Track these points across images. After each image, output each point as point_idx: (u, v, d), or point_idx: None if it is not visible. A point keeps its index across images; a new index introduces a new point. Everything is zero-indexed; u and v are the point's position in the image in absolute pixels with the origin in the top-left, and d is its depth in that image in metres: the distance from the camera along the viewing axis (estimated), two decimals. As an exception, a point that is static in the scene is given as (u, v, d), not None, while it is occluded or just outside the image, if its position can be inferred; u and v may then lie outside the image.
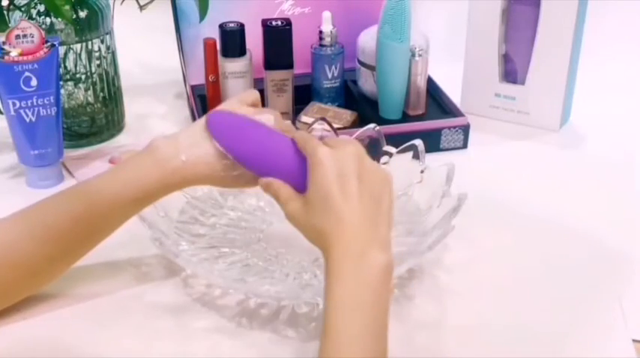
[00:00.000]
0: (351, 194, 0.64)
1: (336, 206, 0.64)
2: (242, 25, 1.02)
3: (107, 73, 1.04)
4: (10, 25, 0.94)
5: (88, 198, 0.73)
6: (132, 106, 1.11)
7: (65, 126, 1.00)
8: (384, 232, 0.64)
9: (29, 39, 0.88)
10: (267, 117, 0.75)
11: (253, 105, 0.78)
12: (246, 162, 0.72)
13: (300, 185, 0.68)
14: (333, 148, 0.66)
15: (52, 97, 0.90)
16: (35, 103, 0.90)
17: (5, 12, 0.95)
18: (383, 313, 0.61)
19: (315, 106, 1.06)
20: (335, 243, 0.63)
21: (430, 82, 1.09)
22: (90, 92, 1.04)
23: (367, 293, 0.61)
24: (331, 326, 0.59)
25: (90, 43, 1.00)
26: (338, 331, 0.59)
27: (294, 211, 0.68)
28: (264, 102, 1.04)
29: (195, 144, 0.73)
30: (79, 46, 1.00)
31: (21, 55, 0.88)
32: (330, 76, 1.07)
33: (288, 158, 0.70)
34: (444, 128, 1.03)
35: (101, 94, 1.04)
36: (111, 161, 0.99)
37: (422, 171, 0.86)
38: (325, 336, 0.59)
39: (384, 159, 0.89)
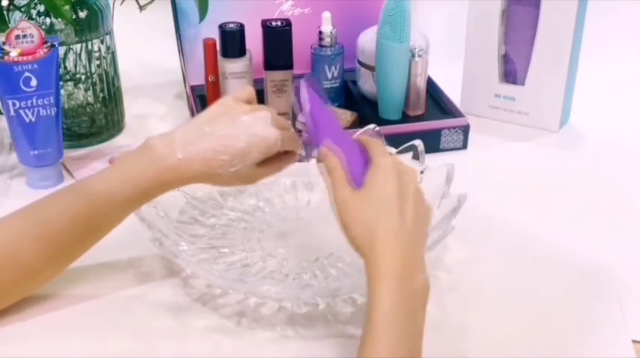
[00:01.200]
0: (407, 212, 0.65)
1: (393, 216, 0.64)
2: (242, 26, 1.02)
3: (107, 74, 1.04)
4: (9, 25, 0.94)
5: (85, 196, 0.73)
6: (132, 107, 1.11)
7: (65, 126, 1.00)
8: (423, 254, 0.66)
9: (29, 39, 0.88)
10: (264, 114, 0.75)
11: (248, 102, 0.78)
12: (319, 129, 0.71)
13: (353, 181, 0.68)
14: (399, 162, 0.68)
15: (51, 97, 0.90)
16: (35, 103, 0.90)
17: (5, 12, 0.95)
18: (420, 329, 0.63)
19: (314, 107, 1.06)
20: (384, 252, 0.63)
21: (430, 83, 1.09)
22: (90, 92, 1.04)
23: (412, 309, 0.63)
24: (376, 332, 0.60)
25: (90, 43, 1.00)
26: (381, 337, 0.60)
27: (346, 197, 0.66)
28: (263, 103, 1.04)
29: (192, 141, 0.73)
30: (78, 46, 1.00)
31: (21, 55, 0.88)
32: (329, 76, 1.07)
33: (351, 150, 0.70)
34: (443, 128, 1.03)
35: (101, 95, 1.04)
36: (111, 161, 0.99)
37: (422, 172, 0.86)
38: (368, 340, 0.60)
39: (384, 159, 0.89)
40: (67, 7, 0.91)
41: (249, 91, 0.79)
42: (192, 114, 1.08)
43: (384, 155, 0.68)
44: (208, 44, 1.04)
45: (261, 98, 1.05)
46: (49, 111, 0.91)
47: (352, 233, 0.66)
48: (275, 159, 0.77)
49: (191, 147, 0.73)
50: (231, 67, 1.03)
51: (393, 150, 0.89)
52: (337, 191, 0.67)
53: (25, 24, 0.87)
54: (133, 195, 0.73)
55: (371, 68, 1.06)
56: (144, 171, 0.73)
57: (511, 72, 1.09)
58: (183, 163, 0.73)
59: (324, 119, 0.73)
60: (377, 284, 0.62)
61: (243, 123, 0.74)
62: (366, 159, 0.70)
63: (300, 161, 0.93)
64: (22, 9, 0.96)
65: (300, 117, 0.74)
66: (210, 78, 1.05)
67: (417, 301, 0.63)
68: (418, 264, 0.64)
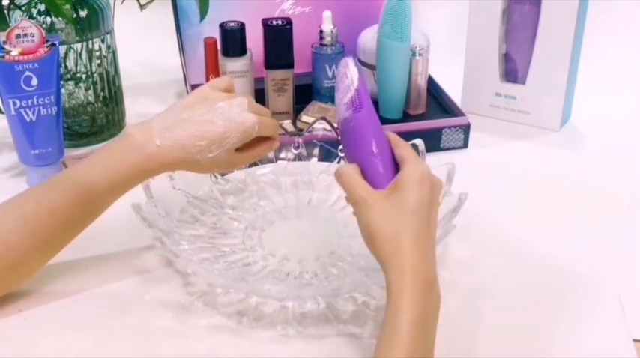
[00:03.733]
0: (432, 222, 0.66)
1: (422, 224, 0.65)
2: (242, 25, 1.02)
3: (108, 73, 1.04)
4: (10, 24, 0.94)
5: (65, 188, 0.73)
6: (132, 106, 1.11)
7: (66, 125, 1.00)
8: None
9: (30, 38, 0.88)
10: (241, 100, 0.76)
11: (227, 91, 0.79)
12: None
13: (378, 180, 0.67)
14: (429, 171, 0.68)
15: (52, 97, 0.90)
16: (36, 103, 0.90)
17: (6, 11, 0.95)
18: (434, 338, 0.64)
19: (315, 106, 1.06)
20: (410, 260, 0.63)
21: (431, 82, 1.09)
22: (90, 91, 1.04)
23: (432, 319, 0.63)
24: (399, 343, 0.60)
25: (90, 42, 1.00)
26: (405, 348, 0.60)
27: (367, 195, 0.66)
28: (264, 102, 1.04)
29: (169, 128, 0.74)
30: (79, 45, 1.00)
31: (21, 54, 0.88)
32: (330, 75, 1.07)
33: (381, 145, 0.69)
34: (444, 127, 1.03)
35: (102, 94, 1.04)
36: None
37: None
38: (392, 349, 0.60)
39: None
40: (67, 6, 0.91)
41: (227, 80, 0.80)
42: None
43: (418, 161, 0.68)
44: (209, 43, 1.04)
45: (261, 97, 1.05)
46: (49, 110, 0.91)
47: (376, 232, 0.65)
48: (254, 145, 0.79)
49: (169, 134, 0.74)
50: (232, 66, 1.03)
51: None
52: (356, 190, 0.67)
53: (25, 23, 0.87)
54: (113, 183, 0.73)
55: (372, 67, 1.06)
56: (123, 160, 0.73)
57: (512, 71, 1.09)
58: (161, 150, 0.73)
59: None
60: (402, 292, 0.62)
61: (220, 108, 0.76)
62: (392, 158, 0.69)
63: (300, 159, 0.93)
64: (23, 8, 0.96)
65: (342, 94, 0.72)
66: (211, 77, 1.05)
67: (435, 312, 0.64)
68: (435, 274, 0.65)
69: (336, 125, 0.94)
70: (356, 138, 0.70)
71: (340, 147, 0.91)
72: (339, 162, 0.92)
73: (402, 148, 0.69)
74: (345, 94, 0.71)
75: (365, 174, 0.68)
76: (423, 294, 0.62)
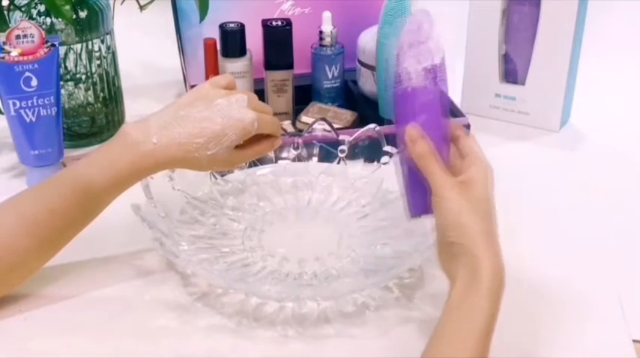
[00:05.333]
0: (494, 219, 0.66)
1: (492, 218, 0.65)
2: (242, 25, 1.03)
3: (107, 73, 1.04)
4: (10, 25, 0.94)
5: (63, 187, 0.73)
6: (132, 106, 1.11)
7: (65, 126, 1.00)
8: None
9: (29, 39, 0.88)
10: (240, 97, 0.76)
11: (228, 88, 0.78)
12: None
13: (445, 157, 0.66)
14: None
15: (52, 97, 0.90)
16: (35, 103, 0.90)
17: (5, 12, 0.95)
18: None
19: (315, 106, 1.06)
20: (486, 255, 0.63)
21: (430, 82, 1.09)
22: (90, 92, 1.04)
23: (496, 316, 0.62)
24: (467, 342, 0.60)
25: (90, 43, 1.00)
26: (473, 346, 0.60)
27: (452, 184, 0.65)
28: (264, 102, 1.04)
29: (166, 126, 0.74)
30: (79, 46, 1.00)
31: (21, 55, 0.88)
32: (330, 76, 1.07)
33: (442, 136, 0.67)
34: (444, 128, 1.03)
35: (101, 94, 1.04)
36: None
37: (422, 171, 0.86)
38: (455, 344, 0.60)
39: (384, 159, 0.89)
40: (67, 7, 0.91)
41: (228, 78, 0.80)
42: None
43: (481, 152, 0.67)
44: (209, 44, 1.04)
45: (261, 98, 1.05)
46: (49, 111, 0.91)
47: (469, 224, 0.64)
48: (255, 143, 0.78)
49: (166, 132, 0.73)
50: (232, 66, 1.03)
51: (394, 149, 0.89)
52: (439, 176, 0.65)
53: (25, 24, 0.87)
54: (111, 182, 0.73)
55: (371, 68, 1.06)
56: (120, 158, 0.73)
57: (511, 71, 1.09)
58: (159, 148, 0.73)
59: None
60: (479, 292, 0.61)
61: (218, 105, 0.75)
62: (449, 150, 0.67)
63: (299, 160, 0.93)
64: (23, 9, 0.96)
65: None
66: (211, 77, 1.05)
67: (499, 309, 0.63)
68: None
69: (336, 126, 0.94)
70: (430, 115, 0.66)
71: (341, 147, 0.91)
72: (338, 162, 0.92)
73: (466, 140, 0.68)
74: (423, 57, 0.65)
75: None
76: (496, 296, 0.62)
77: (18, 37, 0.87)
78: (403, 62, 0.66)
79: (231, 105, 0.75)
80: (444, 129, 0.67)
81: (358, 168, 0.91)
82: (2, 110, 0.92)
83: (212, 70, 1.04)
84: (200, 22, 1.05)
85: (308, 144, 0.93)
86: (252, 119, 0.75)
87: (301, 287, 0.75)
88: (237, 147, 0.76)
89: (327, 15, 1.04)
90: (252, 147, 0.78)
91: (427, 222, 0.81)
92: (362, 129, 0.91)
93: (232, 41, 1.03)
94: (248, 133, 0.76)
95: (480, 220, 0.64)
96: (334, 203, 0.89)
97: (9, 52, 0.87)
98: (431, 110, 0.66)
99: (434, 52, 0.65)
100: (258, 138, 0.78)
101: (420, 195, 0.68)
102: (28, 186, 0.94)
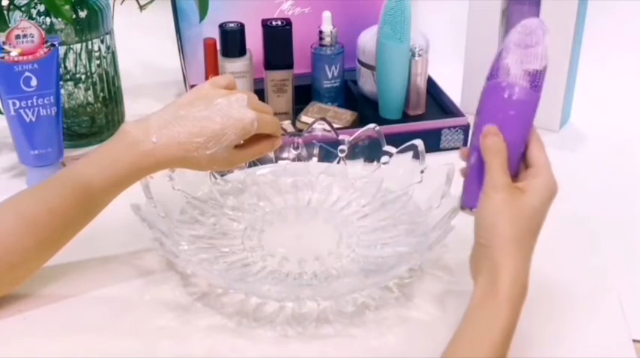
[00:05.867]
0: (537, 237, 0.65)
1: (536, 231, 0.65)
2: (242, 25, 1.03)
3: (107, 73, 1.04)
4: (10, 24, 0.94)
5: (62, 186, 0.73)
6: (132, 106, 1.11)
7: (65, 126, 1.00)
8: None
9: (29, 39, 0.88)
10: (240, 97, 0.76)
11: (228, 88, 0.78)
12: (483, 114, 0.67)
13: (512, 168, 0.66)
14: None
15: (52, 97, 0.90)
16: (35, 103, 0.90)
17: (5, 12, 0.95)
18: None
19: (315, 106, 1.06)
20: (521, 269, 0.63)
21: (430, 82, 1.09)
22: (90, 92, 1.04)
23: (514, 324, 0.63)
24: (485, 347, 0.60)
25: (90, 42, 1.00)
26: (492, 352, 0.60)
27: (504, 185, 0.64)
28: (264, 102, 1.04)
29: (166, 125, 0.74)
30: (79, 45, 1.00)
31: (21, 54, 0.88)
32: (330, 75, 1.07)
33: (530, 116, 0.66)
34: (443, 128, 1.03)
35: (101, 94, 1.04)
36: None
37: (422, 171, 0.86)
38: (474, 349, 0.61)
39: (384, 159, 0.89)
40: (67, 7, 0.91)
41: (228, 78, 0.80)
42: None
43: (550, 167, 0.67)
44: (208, 44, 1.04)
45: (261, 98, 1.05)
46: (49, 110, 0.91)
47: (500, 227, 0.64)
48: (255, 143, 0.78)
49: (165, 131, 0.73)
50: (232, 66, 1.03)
51: (394, 149, 0.89)
52: (496, 174, 0.65)
53: (25, 24, 0.87)
54: (110, 181, 0.73)
55: (371, 68, 1.06)
56: (119, 158, 0.73)
57: (511, 71, 1.09)
58: (158, 147, 0.73)
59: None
60: (497, 299, 0.62)
61: (218, 105, 0.75)
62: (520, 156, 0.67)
63: (299, 160, 0.93)
64: (23, 9, 0.96)
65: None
66: (211, 77, 1.05)
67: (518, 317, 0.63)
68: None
69: (335, 126, 0.94)
70: (518, 115, 0.66)
71: (340, 147, 0.91)
72: (338, 162, 0.92)
73: (542, 150, 0.67)
74: (528, 59, 0.65)
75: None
76: (521, 302, 0.62)
77: (18, 36, 0.87)
78: (505, 57, 0.66)
79: (230, 105, 0.75)
80: (525, 134, 0.67)
81: (358, 167, 0.91)
82: (2, 110, 0.92)
83: (212, 69, 1.04)
84: (200, 22, 1.05)
85: (308, 144, 0.93)
86: (252, 119, 0.75)
87: (301, 287, 0.75)
88: (237, 146, 0.76)
89: (326, 15, 1.04)
90: (252, 147, 0.78)
91: (427, 221, 0.82)
92: (362, 129, 0.91)
93: (232, 41, 1.02)
94: (248, 133, 0.76)
95: (514, 228, 0.63)
96: (334, 203, 0.89)
97: (9, 52, 0.87)
98: (518, 110, 0.66)
99: (540, 58, 0.65)
100: (258, 138, 0.78)
101: (475, 189, 0.67)
102: (28, 185, 0.94)
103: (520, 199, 0.64)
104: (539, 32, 0.66)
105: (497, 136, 0.66)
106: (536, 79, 0.65)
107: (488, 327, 0.61)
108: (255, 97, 0.78)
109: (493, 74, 0.67)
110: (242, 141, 0.76)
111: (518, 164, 0.67)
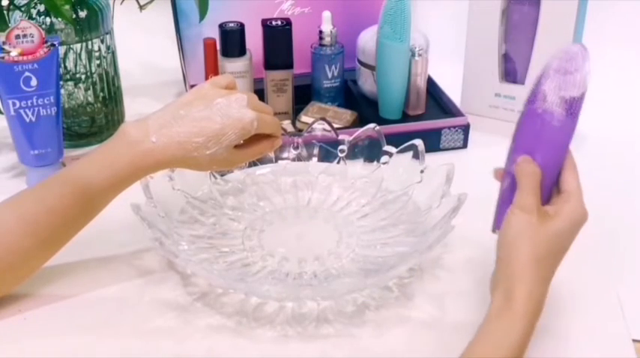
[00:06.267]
0: (564, 255, 0.66)
1: (559, 256, 0.66)
2: (242, 25, 1.03)
3: (107, 73, 1.04)
4: (10, 24, 0.94)
5: (62, 186, 0.73)
6: (132, 106, 1.11)
7: (65, 126, 1.00)
8: None
9: (29, 39, 0.88)
10: (240, 96, 0.76)
11: (228, 88, 0.78)
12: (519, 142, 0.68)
13: (544, 192, 0.67)
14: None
15: (52, 97, 0.90)
16: (35, 103, 0.90)
17: (5, 12, 0.95)
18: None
19: (315, 106, 1.06)
20: (537, 289, 0.63)
21: (430, 82, 1.09)
22: (90, 92, 1.04)
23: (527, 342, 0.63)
24: (502, 350, 0.61)
25: (90, 42, 1.00)
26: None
27: (531, 207, 0.65)
28: (264, 102, 1.04)
29: (166, 125, 0.74)
30: (79, 45, 1.00)
31: (21, 54, 0.88)
32: (330, 75, 1.07)
33: (565, 144, 0.67)
34: (443, 128, 1.03)
35: (101, 94, 1.04)
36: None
37: (422, 171, 0.86)
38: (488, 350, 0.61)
39: (384, 159, 0.89)
40: (67, 7, 0.91)
41: (229, 78, 0.80)
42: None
43: (581, 192, 0.67)
44: (208, 44, 1.04)
45: (261, 97, 1.05)
46: (49, 110, 0.91)
47: (521, 247, 0.64)
48: (255, 143, 0.78)
49: (165, 131, 0.73)
50: (232, 66, 1.03)
51: (393, 149, 0.89)
52: (525, 195, 0.66)
53: (25, 23, 0.87)
54: (110, 181, 0.73)
55: (371, 67, 1.06)
56: (119, 157, 0.73)
57: (511, 71, 1.09)
58: (158, 147, 0.73)
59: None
60: (511, 316, 0.62)
61: (217, 105, 0.75)
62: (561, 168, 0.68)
63: (299, 160, 0.93)
64: (22, 8, 0.96)
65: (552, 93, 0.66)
66: (211, 77, 1.05)
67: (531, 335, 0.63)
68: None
69: (335, 125, 0.94)
70: (552, 142, 0.67)
71: (340, 147, 0.91)
72: (338, 162, 0.92)
73: (575, 175, 0.68)
74: (566, 86, 0.66)
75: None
76: (534, 321, 0.62)
77: (18, 36, 0.87)
78: (544, 83, 0.67)
79: (230, 105, 0.75)
80: (559, 160, 0.68)
81: (358, 167, 0.91)
82: (2, 110, 0.92)
83: (212, 69, 1.04)
84: (200, 22, 1.05)
85: (308, 144, 0.93)
86: (252, 118, 0.75)
87: (301, 287, 0.75)
88: (237, 146, 0.76)
89: (326, 15, 1.04)
90: (252, 147, 0.78)
91: (427, 221, 0.82)
92: (362, 129, 0.91)
93: (232, 41, 1.02)
94: (247, 133, 0.76)
95: (535, 249, 0.64)
96: (334, 203, 0.89)
97: (9, 52, 0.87)
98: (552, 138, 0.67)
99: (578, 86, 0.66)
100: (258, 138, 0.78)
101: (506, 213, 0.68)
102: (28, 185, 0.94)
103: (546, 222, 0.65)
104: (578, 59, 0.67)
105: (532, 163, 0.67)
106: (572, 107, 0.66)
107: (501, 342, 0.61)
108: (255, 97, 0.78)
109: (531, 99, 0.67)
110: (242, 141, 0.76)
111: (551, 189, 0.68)
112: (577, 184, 0.67)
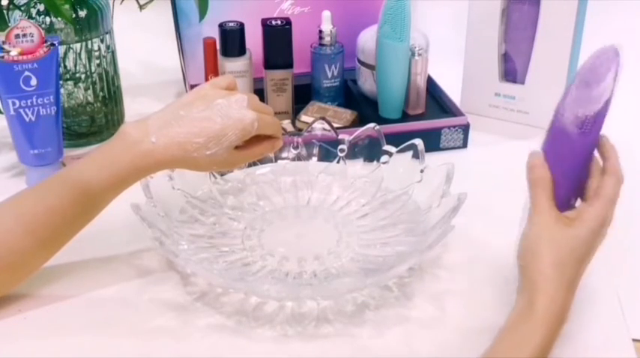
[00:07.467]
0: (587, 263, 0.66)
1: (582, 265, 0.65)
2: (242, 25, 1.02)
3: (107, 73, 1.04)
4: (9, 24, 0.94)
5: (62, 187, 0.73)
6: (132, 106, 1.11)
7: (65, 125, 1.00)
8: None
9: (29, 38, 0.88)
10: (240, 97, 0.76)
11: (228, 89, 0.78)
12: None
13: (563, 190, 0.67)
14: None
15: (51, 97, 0.90)
16: (35, 103, 0.90)
17: (5, 11, 0.95)
18: None
19: (314, 106, 1.06)
20: (560, 295, 0.63)
21: (430, 82, 1.09)
22: (90, 91, 1.04)
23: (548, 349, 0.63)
24: (521, 355, 0.61)
25: (90, 42, 1.00)
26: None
27: (551, 222, 0.65)
28: (263, 102, 1.04)
29: (165, 125, 0.74)
30: (78, 45, 0.99)
31: (21, 54, 0.88)
32: (329, 75, 1.07)
33: (581, 158, 0.67)
34: (443, 127, 1.03)
35: (101, 94, 1.04)
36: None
37: (422, 171, 0.86)
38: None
39: (384, 158, 0.89)
40: (66, 6, 0.91)
41: (229, 78, 0.79)
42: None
43: (612, 202, 0.67)
44: (208, 43, 1.03)
45: (261, 97, 1.05)
46: (49, 110, 0.91)
47: (539, 253, 0.64)
48: (255, 144, 0.78)
49: (165, 131, 0.73)
50: (231, 66, 1.03)
51: (393, 149, 0.89)
52: (540, 202, 0.66)
53: (24, 23, 0.87)
54: (110, 181, 0.73)
55: (371, 67, 1.06)
56: (119, 158, 0.73)
57: (511, 71, 1.09)
58: (158, 147, 0.73)
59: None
60: (531, 321, 0.62)
61: (218, 105, 0.75)
62: (585, 177, 0.67)
63: (299, 159, 0.93)
64: (22, 8, 0.96)
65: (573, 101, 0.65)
66: (211, 77, 1.05)
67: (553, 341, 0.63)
68: (570, 309, 0.64)
69: (335, 125, 0.94)
70: (566, 155, 0.67)
71: (340, 146, 0.91)
72: (338, 162, 0.92)
73: (612, 181, 0.68)
74: (583, 102, 0.65)
75: (555, 187, 0.67)
76: (556, 327, 0.63)
77: (17, 36, 0.87)
78: (566, 96, 0.66)
79: (230, 106, 0.75)
80: (577, 171, 0.68)
81: (358, 167, 0.91)
82: (2, 109, 0.92)
83: (212, 69, 1.04)
84: (199, 22, 1.05)
85: (308, 144, 0.93)
86: (252, 119, 0.75)
87: (301, 287, 0.75)
88: (238, 147, 0.76)
89: (326, 14, 1.04)
90: (253, 148, 0.78)
91: (427, 221, 0.82)
92: (361, 129, 0.91)
93: (232, 40, 1.02)
94: (248, 133, 0.75)
95: (554, 253, 0.64)
96: (334, 202, 0.89)
97: (8, 52, 0.87)
98: (565, 152, 0.67)
99: (594, 101, 0.65)
100: (258, 139, 0.77)
101: None
102: (28, 185, 0.94)
103: (566, 226, 0.65)
104: (603, 67, 0.66)
105: (542, 168, 0.67)
106: (585, 125, 0.65)
107: (521, 347, 0.61)
108: (256, 98, 0.78)
109: (556, 110, 0.67)
110: (242, 143, 0.76)
111: (572, 198, 0.68)
112: (604, 191, 0.67)
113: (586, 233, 0.65)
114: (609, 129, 1.09)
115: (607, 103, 0.64)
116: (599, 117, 0.65)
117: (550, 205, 0.66)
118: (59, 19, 0.95)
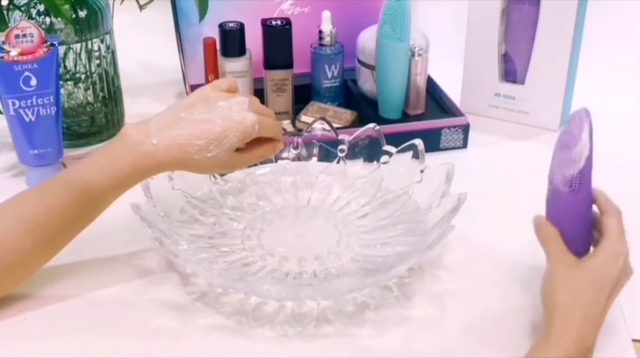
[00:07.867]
0: (610, 301, 0.67)
1: (599, 298, 0.65)
2: (242, 25, 1.02)
3: (107, 73, 1.04)
4: (9, 24, 0.94)
5: (63, 188, 0.73)
6: (132, 106, 1.11)
7: (65, 125, 1.00)
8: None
9: (29, 38, 0.88)
10: (241, 99, 0.76)
11: (230, 91, 0.78)
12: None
13: (573, 242, 0.69)
14: (627, 256, 0.68)
15: (51, 97, 0.90)
16: (35, 103, 0.90)
17: (5, 11, 0.95)
18: None
19: (314, 106, 1.06)
20: (578, 333, 0.64)
21: (430, 82, 1.09)
22: (90, 92, 1.04)
23: None
24: None
25: (90, 42, 1.00)
26: None
27: (570, 264, 0.68)
28: (263, 103, 1.04)
29: (167, 127, 0.74)
30: (78, 45, 0.99)
31: (21, 54, 0.88)
32: (329, 75, 1.07)
33: (578, 211, 0.70)
34: (443, 128, 1.03)
35: (101, 94, 1.04)
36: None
37: (422, 171, 0.86)
38: None
39: (384, 158, 0.89)
40: (66, 7, 0.91)
41: (230, 80, 0.79)
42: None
43: (621, 239, 0.68)
44: (208, 43, 1.04)
45: (261, 97, 1.05)
46: (48, 110, 0.91)
47: (557, 294, 0.66)
48: (256, 147, 0.78)
49: (166, 133, 0.73)
50: (231, 66, 1.03)
51: (393, 149, 0.89)
52: (553, 252, 0.68)
53: (24, 23, 0.87)
54: (111, 182, 0.73)
55: (371, 67, 1.06)
56: (120, 159, 0.73)
57: (511, 71, 1.09)
58: (159, 149, 0.73)
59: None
60: (550, 344, 0.63)
61: (219, 107, 0.75)
62: (589, 226, 0.71)
63: (299, 159, 0.93)
64: (22, 8, 0.96)
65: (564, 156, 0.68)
66: (210, 77, 1.05)
67: None
68: (594, 344, 0.65)
69: (335, 125, 0.94)
70: (563, 211, 0.70)
71: (340, 146, 0.92)
72: (338, 162, 0.92)
73: (611, 218, 0.69)
74: (565, 163, 0.68)
75: (563, 236, 0.69)
76: (574, 351, 0.63)
77: (17, 36, 0.87)
78: (554, 159, 0.70)
79: (231, 108, 0.75)
80: (579, 221, 0.70)
81: (358, 167, 0.91)
82: (2, 110, 0.92)
83: (211, 69, 1.04)
84: (199, 22, 1.05)
85: (308, 144, 0.93)
86: (253, 121, 0.75)
87: (301, 287, 0.75)
88: (238, 150, 0.76)
89: (326, 14, 1.04)
90: (253, 150, 0.78)
91: (427, 221, 0.82)
92: (361, 129, 0.91)
93: (232, 41, 1.02)
94: (248, 136, 0.76)
95: (572, 291, 0.65)
96: (334, 202, 0.89)
97: (8, 52, 0.87)
98: (561, 209, 0.70)
99: (576, 161, 0.67)
100: (259, 141, 0.78)
101: None
102: (28, 185, 0.94)
103: (580, 266, 0.67)
104: (576, 130, 0.68)
105: (548, 226, 0.70)
106: (573, 183, 0.68)
107: None
108: (257, 100, 0.78)
109: (549, 174, 0.71)
110: (243, 145, 0.76)
111: (582, 250, 0.70)
112: (611, 224, 0.69)
113: (600, 267, 0.66)
114: (609, 129, 1.09)
115: (588, 159, 0.67)
116: (585, 173, 0.68)
117: (563, 251, 0.68)
118: (59, 19, 0.95)
